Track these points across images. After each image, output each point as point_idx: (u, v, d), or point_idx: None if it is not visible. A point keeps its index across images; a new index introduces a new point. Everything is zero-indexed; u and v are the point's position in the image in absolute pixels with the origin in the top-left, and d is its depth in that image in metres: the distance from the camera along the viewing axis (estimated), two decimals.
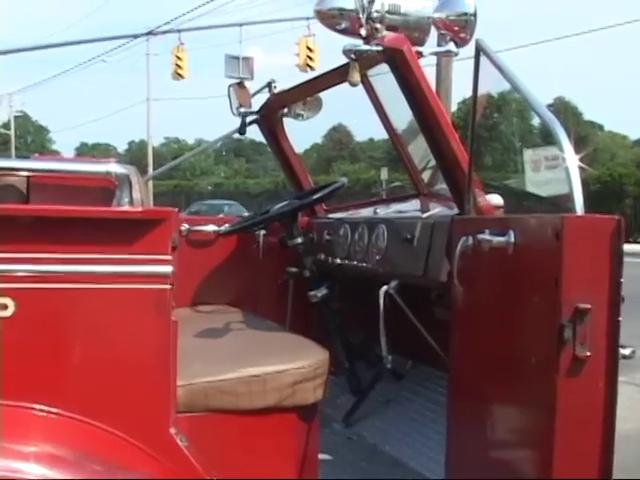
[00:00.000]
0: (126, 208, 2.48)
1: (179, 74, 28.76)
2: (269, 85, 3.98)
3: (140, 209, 2.33)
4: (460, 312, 2.62)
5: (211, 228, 4.04)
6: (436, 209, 3.24)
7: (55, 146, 78.71)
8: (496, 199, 2.58)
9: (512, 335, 2.34)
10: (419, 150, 3.67)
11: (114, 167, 2.48)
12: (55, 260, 2.09)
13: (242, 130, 4.10)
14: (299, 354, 2.69)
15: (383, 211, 3.73)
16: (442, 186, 3.40)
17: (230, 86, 4.12)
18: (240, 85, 4.18)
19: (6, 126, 66.22)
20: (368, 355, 3.80)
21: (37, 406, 2.12)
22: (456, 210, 2.84)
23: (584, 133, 51.12)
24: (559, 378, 2.09)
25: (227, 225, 3.99)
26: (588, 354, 2.09)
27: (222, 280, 4.05)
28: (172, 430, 2.24)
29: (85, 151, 75.37)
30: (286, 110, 4.10)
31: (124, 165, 2.55)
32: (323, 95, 3.89)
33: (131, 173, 2.53)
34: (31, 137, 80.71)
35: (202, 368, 2.53)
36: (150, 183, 43.26)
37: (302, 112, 4.05)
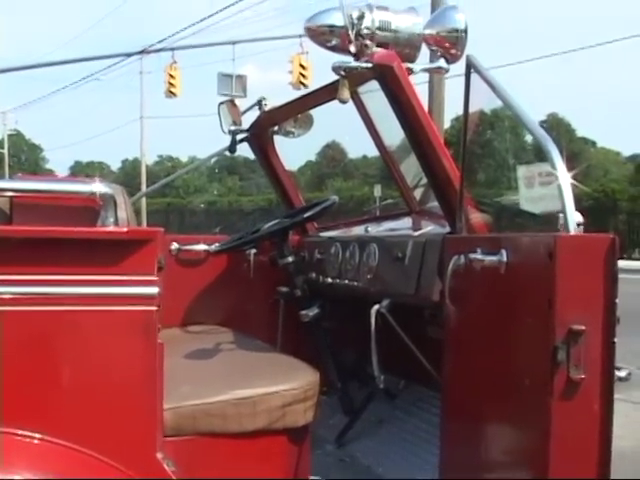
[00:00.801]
0: (111, 228, 2.44)
1: (172, 92, 28.77)
2: (259, 103, 3.94)
3: (125, 229, 2.29)
4: (452, 331, 2.58)
5: (201, 247, 4.00)
6: (428, 227, 3.20)
7: (49, 165, 78.86)
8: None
9: (505, 356, 2.30)
10: (411, 167, 3.64)
11: (98, 187, 2.44)
12: (38, 282, 2.05)
13: (232, 148, 4.07)
14: (289, 375, 2.65)
15: (374, 229, 3.69)
16: (434, 204, 3.35)
17: (220, 104, 4.08)
18: (230, 103, 4.14)
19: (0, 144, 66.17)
20: (360, 375, 3.74)
21: (20, 432, 2.09)
22: (448, 228, 2.81)
23: (577, 149, 51.30)
24: (553, 401, 2.05)
25: (217, 244, 3.95)
26: (582, 376, 2.05)
27: (212, 300, 4.01)
28: (159, 455, 2.20)
29: (79, 169, 75.34)
30: (276, 128, 4.07)
31: (109, 184, 2.51)
32: (316, 112, 3.85)
33: (116, 193, 2.49)
34: (25, 155, 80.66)
35: (190, 390, 2.49)
36: (143, 201, 43.58)
37: (293, 129, 4.02)
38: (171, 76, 28.65)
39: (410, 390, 3.76)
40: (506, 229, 2.88)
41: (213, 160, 68.42)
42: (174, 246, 3.95)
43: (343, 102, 2.69)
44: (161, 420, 2.23)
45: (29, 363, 2.08)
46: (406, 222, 3.75)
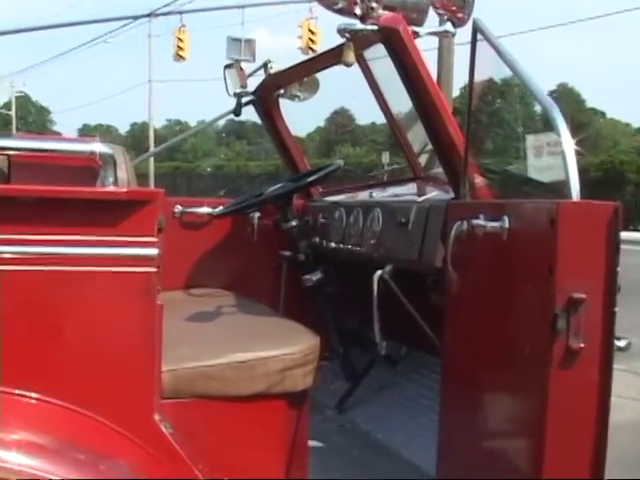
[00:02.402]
0: (110, 189, 2.41)
1: (180, 55, 28.74)
2: (265, 66, 3.90)
3: (125, 190, 2.25)
4: (454, 298, 2.56)
5: (205, 210, 3.98)
6: (432, 193, 3.18)
7: (56, 127, 78.65)
8: None
9: (505, 323, 2.29)
10: (417, 133, 3.60)
11: (98, 146, 2.41)
12: (35, 242, 2.03)
13: (237, 111, 4.04)
14: (289, 339, 2.63)
15: (379, 194, 3.67)
16: (439, 170, 3.30)
17: (226, 66, 4.04)
18: (236, 66, 4.10)
19: (7, 106, 66.05)
20: (362, 340, 3.73)
21: (17, 391, 2.07)
22: (452, 194, 2.78)
23: (586, 120, 50.97)
24: (552, 369, 2.03)
25: (221, 207, 3.93)
26: (582, 345, 2.03)
27: (215, 263, 4.00)
28: (156, 416, 2.19)
29: (87, 132, 75.09)
30: (282, 91, 4.03)
31: (109, 144, 2.48)
32: (325, 77, 3.82)
33: (116, 153, 2.46)
34: (32, 118, 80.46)
35: (189, 353, 2.47)
36: (151, 165, 43.55)
37: (298, 93, 3.98)
38: (180, 39, 28.60)
39: (412, 356, 3.75)
40: (512, 197, 2.84)
41: (222, 124, 68.53)
42: (177, 208, 3.93)
43: (348, 65, 2.66)
44: (159, 382, 2.21)
45: (26, 323, 2.07)
46: (411, 188, 3.71)
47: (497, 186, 2.80)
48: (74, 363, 2.11)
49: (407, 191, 3.65)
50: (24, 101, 74.13)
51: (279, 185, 3.78)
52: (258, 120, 4.36)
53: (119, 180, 2.44)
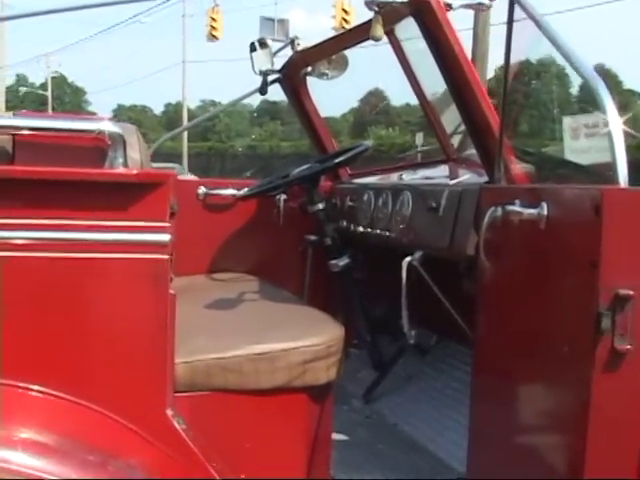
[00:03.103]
0: (119, 170, 2.28)
1: (214, 35, 28.78)
2: (292, 42, 3.77)
3: (135, 171, 2.12)
4: (487, 288, 2.42)
5: (229, 192, 3.87)
6: (465, 176, 3.03)
7: (91, 107, 79.08)
8: None
9: (542, 319, 2.14)
10: (450, 113, 3.45)
11: (107, 125, 2.27)
12: (39, 227, 1.93)
13: (263, 90, 3.89)
14: (312, 330, 2.51)
15: (409, 177, 3.53)
16: (472, 151, 3.17)
17: (252, 43, 3.90)
18: (263, 43, 3.96)
19: (43, 87, 66.50)
20: (391, 328, 3.60)
21: (23, 384, 1.98)
22: (486, 178, 2.63)
23: (624, 101, 50.31)
24: (595, 372, 1.88)
25: (246, 189, 3.81)
26: (628, 347, 1.88)
27: (239, 247, 3.89)
28: (169, 412, 2.09)
29: (122, 112, 75.48)
30: (310, 69, 3.89)
31: (119, 123, 2.35)
32: (359, 57, 3.67)
33: (128, 132, 2.33)
34: (68, 98, 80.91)
35: (206, 343, 2.36)
36: (185, 145, 43.74)
37: (326, 71, 3.82)
38: (213, 19, 28.66)
39: (441, 346, 3.64)
40: (550, 182, 2.68)
41: (255, 105, 68.58)
42: (201, 190, 3.84)
43: (376, 40, 2.54)
44: (172, 375, 2.11)
45: (31, 312, 1.97)
46: (443, 170, 3.58)
47: (534, 170, 2.65)
48: (80, 355, 2.02)
49: (439, 174, 3.52)
50: (60, 81, 74.72)
51: (306, 166, 3.65)
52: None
53: (131, 161, 2.31)
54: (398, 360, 3.59)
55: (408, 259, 2.85)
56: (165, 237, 2.00)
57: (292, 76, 3.95)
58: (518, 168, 2.55)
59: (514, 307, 2.29)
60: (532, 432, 2.27)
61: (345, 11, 25.00)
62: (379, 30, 2.49)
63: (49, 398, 1.99)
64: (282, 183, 3.62)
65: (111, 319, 2.02)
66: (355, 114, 61.42)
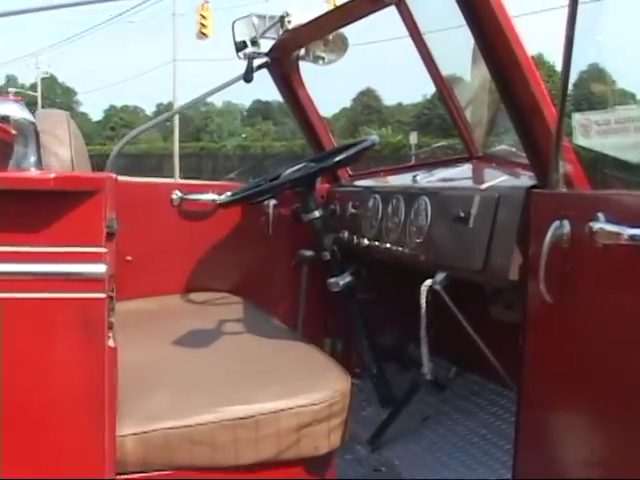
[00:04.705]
0: (31, 173, 1.66)
1: (203, 33, 28.69)
2: (282, 19, 3.21)
3: (52, 175, 1.50)
4: (542, 322, 1.91)
5: (209, 197, 3.42)
6: (498, 178, 2.45)
7: (82, 108, 78.86)
8: None
9: (626, 369, 1.60)
10: (475, 99, 2.98)
11: (12, 109, 1.65)
12: None
13: (248, 76, 3.33)
14: (309, 382, 2.02)
15: (425, 179, 2.97)
16: (502, 147, 2.81)
17: (235, 22, 3.32)
18: (248, 21, 3.38)
19: (33, 88, 66.35)
20: (401, 358, 3.27)
21: None
22: (533, 180, 2.04)
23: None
24: None
25: (228, 193, 3.34)
26: None
27: (222, 262, 3.45)
28: None
29: (114, 113, 75.34)
30: (303, 52, 3.37)
31: (46, 110, 1.76)
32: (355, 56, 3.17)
33: (52, 121, 1.73)
34: (59, 99, 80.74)
35: (167, 403, 1.81)
36: (176, 145, 43.45)
37: (323, 54, 3.32)
38: (202, 16, 28.49)
39: (463, 380, 3.18)
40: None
41: (247, 105, 68.46)
42: (176, 195, 3.38)
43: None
44: (112, 452, 1.62)
45: None
46: (465, 170, 3.06)
47: (593, 172, 2.07)
48: None
49: (461, 175, 3.02)
50: (50, 82, 74.73)
51: (299, 166, 3.18)
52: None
53: (56, 160, 1.72)
54: (412, 398, 3.05)
55: (429, 283, 2.42)
56: (99, 268, 1.44)
57: (282, 60, 3.42)
58: (573, 169, 1.96)
59: (592, 355, 1.76)
60: None
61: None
62: None
63: None
64: (271, 186, 3.13)
65: (23, 381, 1.51)
66: (347, 114, 61.43)
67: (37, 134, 1.62)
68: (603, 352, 1.70)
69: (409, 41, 3.11)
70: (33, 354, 1.49)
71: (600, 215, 1.52)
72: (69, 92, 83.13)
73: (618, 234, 1.46)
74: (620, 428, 1.66)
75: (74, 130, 1.90)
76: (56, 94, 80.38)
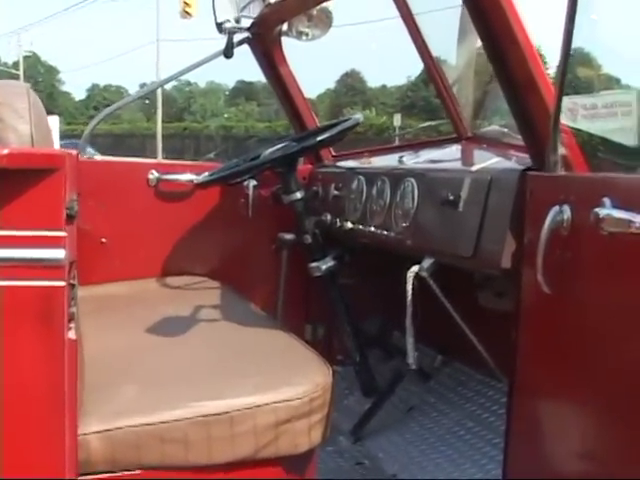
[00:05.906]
0: None
1: (187, 12, 28.32)
2: None
3: (6, 151, 1.36)
4: (539, 313, 1.81)
5: (186, 177, 3.29)
6: (489, 160, 2.34)
7: (65, 87, 78.29)
8: None
9: (627, 363, 1.51)
10: (463, 77, 2.88)
11: None
12: None
13: (228, 52, 3.19)
14: (288, 375, 1.90)
15: (411, 160, 2.86)
16: (493, 127, 2.71)
17: None
18: None
19: (16, 66, 65.80)
20: (385, 345, 3.21)
21: None
22: (527, 163, 1.93)
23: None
24: None
25: (207, 173, 3.20)
26: None
27: (200, 245, 3.33)
28: None
29: (97, 92, 74.84)
30: (285, 27, 3.23)
31: (5, 81, 1.62)
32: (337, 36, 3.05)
33: (11, 93, 1.60)
34: (41, 77, 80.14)
35: (134, 399, 1.68)
36: (159, 125, 43.27)
37: (306, 29, 3.18)
38: None
39: (448, 369, 3.07)
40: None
41: (231, 86, 68.23)
42: (152, 175, 3.26)
43: None
44: (74, 452, 1.50)
45: None
46: (454, 152, 2.95)
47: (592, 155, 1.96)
48: None
49: (449, 156, 2.90)
50: (33, 61, 74.09)
51: (280, 145, 3.05)
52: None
53: (15, 135, 1.58)
54: (395, 387, 2.97)
55: (415, 269, 2.31)
56: (58, 253, 1.32)
57: (264, 35, 3.28)
58: (570, 151, 1.85)
59: (586, 342, 1.66)
60: None
61: None
62: None
63: None
64: (251, 166, 3.01)
65: None
66: (331, 96, 61.36)
67: None
68: (603, 345, 1.59)
69: (394, 23, 3.02)
70: None
71: (606, 200, 1.40)
72: (52, 71, 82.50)
73: (629, 222, 1.35)
74: (620, 422, 1.58)
75: (35, 103, 1.77)
76: (39, 73, 79.84)
